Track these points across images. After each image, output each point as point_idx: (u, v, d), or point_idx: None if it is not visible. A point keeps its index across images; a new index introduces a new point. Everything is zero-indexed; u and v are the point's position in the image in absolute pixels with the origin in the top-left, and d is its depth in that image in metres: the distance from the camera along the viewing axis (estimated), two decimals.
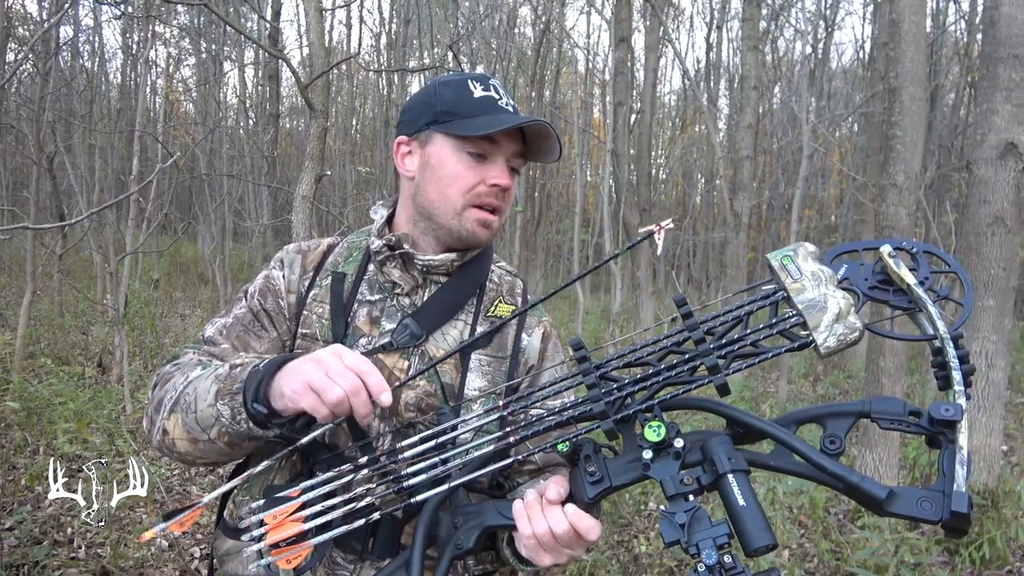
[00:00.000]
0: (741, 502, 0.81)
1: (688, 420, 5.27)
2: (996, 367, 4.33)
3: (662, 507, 0.85)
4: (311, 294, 1.23)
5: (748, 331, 0.90)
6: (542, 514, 0.93)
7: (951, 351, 0.86)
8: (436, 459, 0.94)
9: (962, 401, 0.82)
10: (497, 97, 1.18)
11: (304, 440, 0.99)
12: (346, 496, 0.95)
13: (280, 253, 1.29)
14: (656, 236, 0.94)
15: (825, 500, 4.42)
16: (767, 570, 0.79)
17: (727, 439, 0.87)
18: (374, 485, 0.96)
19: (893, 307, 0.93)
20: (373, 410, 0.95)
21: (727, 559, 0.79)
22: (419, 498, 0.94)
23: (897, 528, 3.50)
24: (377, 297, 1.22)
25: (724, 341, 0.90)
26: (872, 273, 0.95)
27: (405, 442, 0.96)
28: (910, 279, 0.91)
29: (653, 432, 0.87)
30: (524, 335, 1.25)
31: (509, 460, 0.95)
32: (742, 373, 8.44)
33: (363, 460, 0.97)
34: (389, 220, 1.29)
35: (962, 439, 0.80)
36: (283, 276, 1.25)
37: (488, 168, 1.18)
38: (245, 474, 1.07)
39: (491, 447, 0.94)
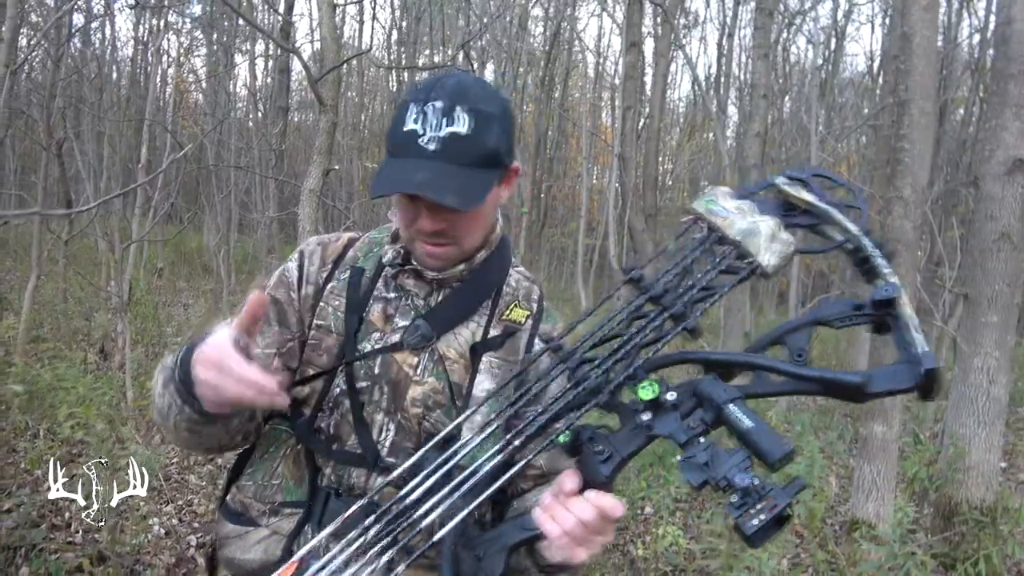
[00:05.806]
0: (748, 423, 0.82)
1: None
2: (997, 383, 4.32)
3: (678, 457, 0.84)
4: (328, 286, 1.23)
5: (698, 276, 0.95)
6: (566, 510, 0.91)
7: (867, 243, 0.92)
8: (445, 490, 0.90)
9: (895, 279, 0.87)
10: (420, 132, 1.04)
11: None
12: (362, 562, 0.88)
13: (302, 245, 1.29)
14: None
15: (823, 511, 4.42)
16: (793, 480, 0.80)
17: (714, 377, 0.89)
18: (388, 540, 0.90)
19: (802, 227, 0.99)
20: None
21: (755, 480, 0.79)
22: (439, 535, 0.91)
23: (904, 540, 3.47)
24: (393, 295, 1.23)
25: (681, 291, 0.94)
26: (775, 207, 1.01)
27: (408, 486, 0.91)
28: (810, 197, 0.98)
29: (646, 391, 0.88)
30: (537, 342, 1.25)
31: (518, 467, 0.92)
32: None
33: (371, 520, 0.91)
34: None
35: (907, 309, 0.85)
36: (300, 268, 1.26)
37: (418, 209, 1.10)
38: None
39: (496, 459, 0.91)
